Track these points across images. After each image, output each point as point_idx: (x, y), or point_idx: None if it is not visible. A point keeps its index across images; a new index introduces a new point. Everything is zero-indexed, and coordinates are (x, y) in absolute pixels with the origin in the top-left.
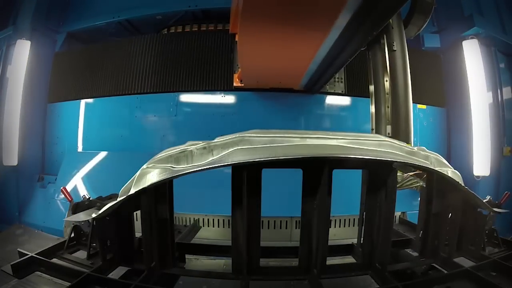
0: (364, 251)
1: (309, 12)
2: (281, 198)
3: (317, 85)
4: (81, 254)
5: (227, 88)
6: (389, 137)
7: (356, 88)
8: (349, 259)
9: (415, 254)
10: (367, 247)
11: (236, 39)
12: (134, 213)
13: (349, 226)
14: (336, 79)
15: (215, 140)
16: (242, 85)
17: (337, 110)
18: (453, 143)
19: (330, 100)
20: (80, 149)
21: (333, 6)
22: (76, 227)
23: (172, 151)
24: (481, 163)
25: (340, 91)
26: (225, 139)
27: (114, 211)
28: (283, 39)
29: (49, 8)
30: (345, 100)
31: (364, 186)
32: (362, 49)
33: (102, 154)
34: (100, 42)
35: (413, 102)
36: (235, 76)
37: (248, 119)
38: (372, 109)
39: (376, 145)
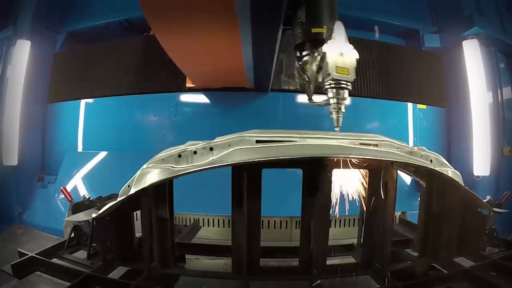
0: (364, 251)
1: (204, 9)
2: (281, 198)
3: (265, 82)
4: (81, 254)
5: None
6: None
7: None
8: (349, 259)
9: (415, 254)
10: (367, 247)
11: None
12: (134, 213)
13: (349, 226)
14: (292, 75)
15: (215, 140)
16: (194, 85)
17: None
18: (453, 143)
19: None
20: (80, 149)
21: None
22: (76, 227)
23: (172, 151)
24: (481, 163)
25: (296, 88)
26: (225, 139)
27: (114, 211)
28: (196, 37)
29: (49, 8)
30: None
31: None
32: (286, 28)
33: (102, 154)
34: (100, 42)
35: (413, 102)
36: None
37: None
38: None
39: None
